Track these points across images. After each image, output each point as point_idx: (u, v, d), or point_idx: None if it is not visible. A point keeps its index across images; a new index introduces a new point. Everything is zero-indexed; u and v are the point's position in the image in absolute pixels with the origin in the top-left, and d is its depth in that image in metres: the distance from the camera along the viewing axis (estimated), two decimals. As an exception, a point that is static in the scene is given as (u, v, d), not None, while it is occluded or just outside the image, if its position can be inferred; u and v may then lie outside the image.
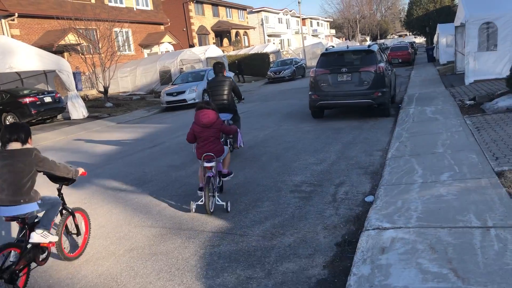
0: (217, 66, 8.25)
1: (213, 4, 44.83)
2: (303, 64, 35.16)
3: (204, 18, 42.74)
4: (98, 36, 21.48)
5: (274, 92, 22.39)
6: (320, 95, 10.93)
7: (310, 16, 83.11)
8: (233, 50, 42.53)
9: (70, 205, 4.51)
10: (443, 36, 29.91)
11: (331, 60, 11.21)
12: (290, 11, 67.19)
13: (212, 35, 43.94)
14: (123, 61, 26.00)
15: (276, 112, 14.02)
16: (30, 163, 3.78)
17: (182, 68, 26.72)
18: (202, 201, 5.22)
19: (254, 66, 35.53)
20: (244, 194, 5.81)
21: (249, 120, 12.84)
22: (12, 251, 3.66)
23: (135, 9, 31.97)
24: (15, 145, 3.78)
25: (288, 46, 62.98)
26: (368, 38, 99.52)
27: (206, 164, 5.37)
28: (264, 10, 57.54)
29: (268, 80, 32.09)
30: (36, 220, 3.97)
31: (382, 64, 10.77)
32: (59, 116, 18.19)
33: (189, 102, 18.65)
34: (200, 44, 39.90)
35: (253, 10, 55.91)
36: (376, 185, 5.65)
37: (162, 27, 35.48)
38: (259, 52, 37.62)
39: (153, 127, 13.95)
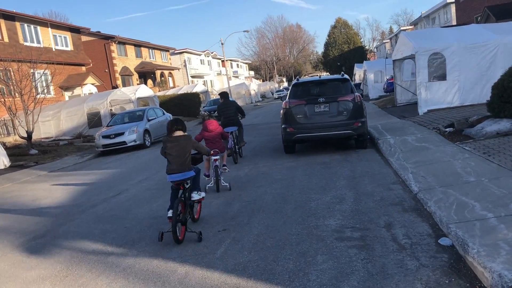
0: (225, 93, 11.50)
1: (135, 45, 43.30)
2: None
3: (127, 59, 40.98)
4: (17, 77, 19.09)
5: (217, 131, 21.27)
6: (297, 128, 10.05)
7: (230, 58, 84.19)
8: (159, 90, 40.98)
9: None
10: (371, 72, 31.02)
11: (304, 90, 10.48)
12: (212, 52, 67.39)
13: (135, 76, 42.17)
14: (43, 105, 23.49)
15: (237, 150, 12.87)
16: (189, 144, 5.56)
17: (111, 110, 24.75)
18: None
19: (184, 106, 34.25)
20: (282, 248, 4.58)
21: (213, 159, 11.58)
22: (180, 204, 5.30)
23: (54, 49, 29.59)
24: (178, 133, 5.56)
25: (212, 87, 62.59)
26: (284, 79, 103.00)
27: (214, 157, 7.68)
28: (186, 52, 57.00)
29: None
30: (187, 186, 5.62)
31: (358, 93, 10.21)
32: (-25, 167, 15.53)
33: (129, 144, 16.92)
34: (124, 85, 37.93)
35: (175, 52, 55.07)
36: (433, 224, 4.75)
37: (83, 68, 33.22)
38: (189, 92, 36.49)
39: (98, 173, 12.12)
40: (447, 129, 10.26)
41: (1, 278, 4.72)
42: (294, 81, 10.83)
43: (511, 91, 9.00)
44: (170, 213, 5.34)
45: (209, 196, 7.33)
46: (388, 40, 77.54)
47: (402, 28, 64.91)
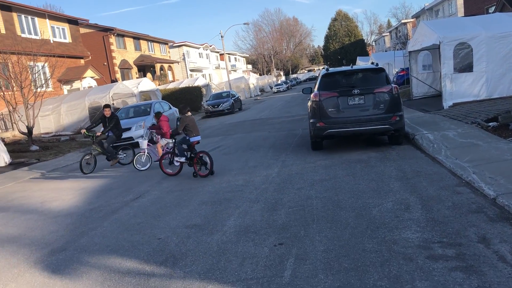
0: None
1: (134, 38, 42.20)
2: (239, 97, 33.72)
3: (126, 52, 39.90)
4: (16, 70, 18.08)
5: (226, 125, 20.43)
6: (328, 123, 9.22)
7: (228, 51, 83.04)
8: (159, 84, 39.97)
9: None
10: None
11: (336, 81, 9.64)
12: (210, 46, 66.28)
13: (135, 69, 41.11)
14: (42, 99, 22.50)
15: (256, 146, 12.06)
16: (194, 120, 8.94)
17: (113, 104, 23.80)
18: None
19: (186, 100, 33.29)
20: (365, 271, 3.77)
21: (235, 156, 10.77)
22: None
23: (52, 41, 28.51)
24: (189, 113, 8.88)
25: (211, 80, 61.58)
26: (282, 73, 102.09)
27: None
28: (185, 45, 55.92)
29: (206, 114, 30.10)
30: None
31: (395, 85, 9.40)
32: (-28, 165, 14.61)
33: (136, 140, 15.99)
34: (123, 79, 36.90)
35: (174, 45, 53.97)
36: (539, 238, 3.94)
37: (82, 61, 32.19)
38: (190, 85, 35.54)
39: (108, 171, 11.26)
40: (490, 124, 9.47)
41: (22, 309, 3.88)
42: (323, 71, 9.97)
43: None
44: (183, 159, 9.09)
45: (247, 200, 6.52)
46: (388, 33, 76.61)
47: (403, 21, 64.12)
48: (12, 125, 21.90)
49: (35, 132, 21.17)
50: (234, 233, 5.11)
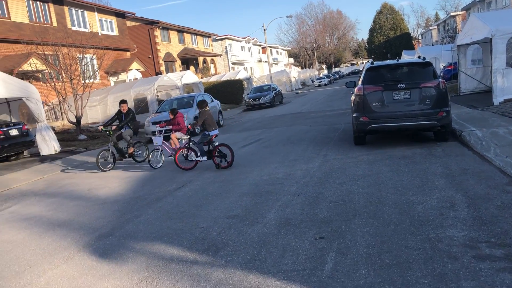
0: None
1: (178, 31, 42.88)
2: (280, 91, 33.66)
3: (170, 45, 40.63)
4: (66, 61, 18.81)
5: (267, 118, 20.48)
6: (372, 117, 9.07)
7: (270, 44, 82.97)
8: (202, 77, 40.51)
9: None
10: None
11: (380, 74, 9.46)
12: (252, 39, 66.41)
13: (178, 62, 41.81)
14: (90, 90, 23.31)
15: (296, 139, 12.03)
16: (211, 114, 9.34)
17: (158, 96, 24.34)
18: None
19: (227, 93, 33.61)
20: (407, 267, 3.72)
21: (276, 149, 10.78)
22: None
23: (100, 34, 29.44)
24: (206, 108, 9.37)
25: (252, 74, 61.79)
26: (324, 66, 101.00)
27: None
28: (228, 38, 56.27)
29: (246, 107, 30.26)
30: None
31: (442, 79, 9.12)
32: (26, 152, 15.37)
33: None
34: (167, 71, 37.63)
35: (217, 38, 54.45)
36: None
37: (128, 53, 33.07)
38: (232, 79, 35.79)
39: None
40: (546, 122, 9.03)
41: (72, 289, 4.07)
42: (368, 65, 9.80)
43: None
44: (205, 158, 9.39)
45: (287, 193, 6.53)
46: (435, 27, 74.13)
47: (452, 14, 61.89)
48: (61, 115, 22.86)
49: (83, 122, 22.01)
50: (275, 225, 5.15)
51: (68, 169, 12.09)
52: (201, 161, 9.51)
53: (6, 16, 22.69)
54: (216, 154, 9.23)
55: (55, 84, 17.87)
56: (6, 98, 14.90)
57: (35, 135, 14.52)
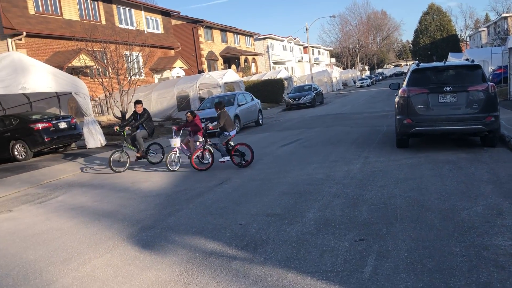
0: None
1: (221, 30, 43.33)
2: (321, 91, 33.42)
3: (213, 44, 41.12)
4: (113, 58, 19.43)
5: (307, 118, 20.39)
6: (416, 120, 8.89)
7: (312, 44, 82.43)
8: (243, 76, 40.78)
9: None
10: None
11: (426, 77, 9.25)
12: (294, 38, 66.19)
13: (220, 61, 42.26)
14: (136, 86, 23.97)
15: (337, 140, 11.93)
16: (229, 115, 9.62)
17: (199, 93, 24.72)
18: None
19: (267, 92, 33.64)
20: (450, 274, 3.64)
21: (315, 149, 10.74)
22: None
23: (146, 32, 30.16)
24: (225, 108, 9.57)
25: (293, 73, 61.64)
26: (366, 67, 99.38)
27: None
28: (270, 37, 56.34)
29: (286, 107, 30.23)
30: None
31: (492, 83, 8.81)
32: (73, 145, 15.98)
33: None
34: (209, 70, 38.13)
35: (259, 37, 54.62)
36: None
37: (172, 51, 33.70)
38: (273, 78, 35.81)
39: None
40: None
41: (117, 278, 4.22)
42: (413, 67, 9.60)
43: None
44: (228, 158, 9.57)
45: (327, 193, 6.51)
46: (485, 29, 71.30)
47: (503, 15, 59.42)
48: (107, 110, 23.60)
49: (127, 117, 22.63)
50: (314, 225, 5.14)
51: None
52: (225, 162, 9.60)
53: (59, 13, 23.64)
54: (234, 153, 9.44)
55: (102, 80, 18.47)
56: (56, 92, 15.50)
57: (82, 129, 15.09)
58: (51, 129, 13.75)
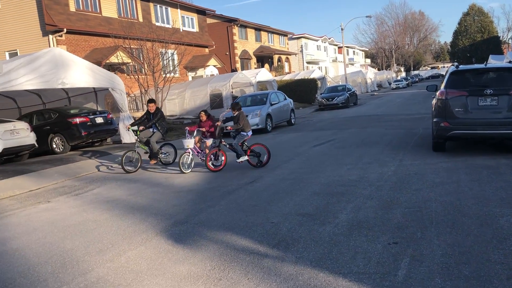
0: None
1: (255, 29, 43.47)
2: (355, 91, 33.02)
3: (247, 43, 41.31)
4: (150, 55, 19.81)
5: (340, 119, 20.20)
6: (454, 123, 8.66)
7: (346, 44, 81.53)
8: (276, 75, 40.78)
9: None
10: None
11: (466, 79, 9.00)
12: (329, 38, 65.71)
13: (254, 60, 42.41)
14: (170, 83, 24.34)
15: (371, 142, 11.77)
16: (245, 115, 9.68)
17: (232, 92, 24.88)
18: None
19: (300, 92, 33.49)
20: (487, 281, 3.54)
21: (349, 150, 10.64)
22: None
23: (181, 30, 30.58)
24: (241, 110, 9.53)
25: (326, 73, 61.15)
26: (402, 69, 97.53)
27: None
28: (304, 37, 56.14)
29: (319, 107, 30.02)
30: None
31: (536, 87, 8.48)
32: (109, 139, 16.37)
33: (252, 128, 16.57)
34: (243, 69, 38.33)
35: (293, 36, 54.50)
36: None
37: (207, 50, 34.04)
38: (306, 77, 35.64)
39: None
40: None
41: (150, 270, 4.31)
42: (452, 68, 9.36)
43: None
44: (246, 158, 9.47)
45: (360, 195, 6.43)
46: (529, 30, 68.87)
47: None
48: (142, 106, 24.04)
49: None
50: (346, 226, 5.09)
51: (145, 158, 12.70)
52: (243, 162, 9.48)
53: (98, 11, 24.27)
54: (250, 154, 9.44)
55: (138, 77, 18.87)
56: (94, 88, 15.91)
57: (118, 124, 15.43)
58: (88, 123, 14.13)
